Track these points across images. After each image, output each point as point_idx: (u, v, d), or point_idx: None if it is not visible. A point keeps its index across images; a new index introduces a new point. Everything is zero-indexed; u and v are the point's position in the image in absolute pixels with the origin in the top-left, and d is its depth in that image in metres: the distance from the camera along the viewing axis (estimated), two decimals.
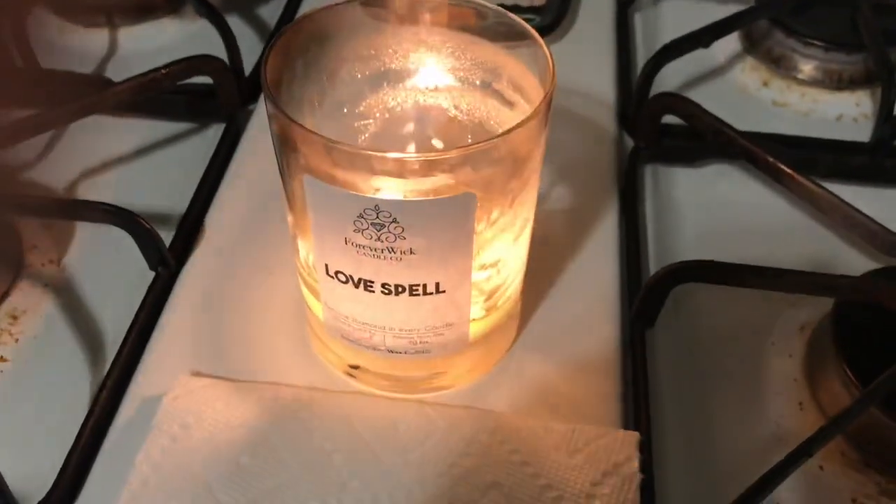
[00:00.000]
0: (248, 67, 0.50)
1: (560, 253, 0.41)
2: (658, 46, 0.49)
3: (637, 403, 0.35)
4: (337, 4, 0.32)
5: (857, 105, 0.52)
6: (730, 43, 0.56)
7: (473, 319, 0.33)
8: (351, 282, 0.30)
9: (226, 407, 0.33)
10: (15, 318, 0.39)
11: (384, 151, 0.26)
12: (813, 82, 0.53)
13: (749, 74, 0.54)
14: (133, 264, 0.40)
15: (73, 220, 0.41)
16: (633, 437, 0.33)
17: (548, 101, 0.28)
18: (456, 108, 0.34)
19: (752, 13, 0.51)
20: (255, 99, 0.49)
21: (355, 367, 0.35)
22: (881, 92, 0.48)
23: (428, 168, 0.27)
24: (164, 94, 0.46)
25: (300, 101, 0.32)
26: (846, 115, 0.52)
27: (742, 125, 0.45)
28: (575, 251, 0.41)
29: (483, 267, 0.31)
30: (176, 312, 0.38)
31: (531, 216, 0.32)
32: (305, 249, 0.32)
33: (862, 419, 0.33)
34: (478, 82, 0.33)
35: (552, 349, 0.37)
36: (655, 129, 0.45)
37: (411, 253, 0.29)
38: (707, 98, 0.52)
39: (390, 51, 0.33)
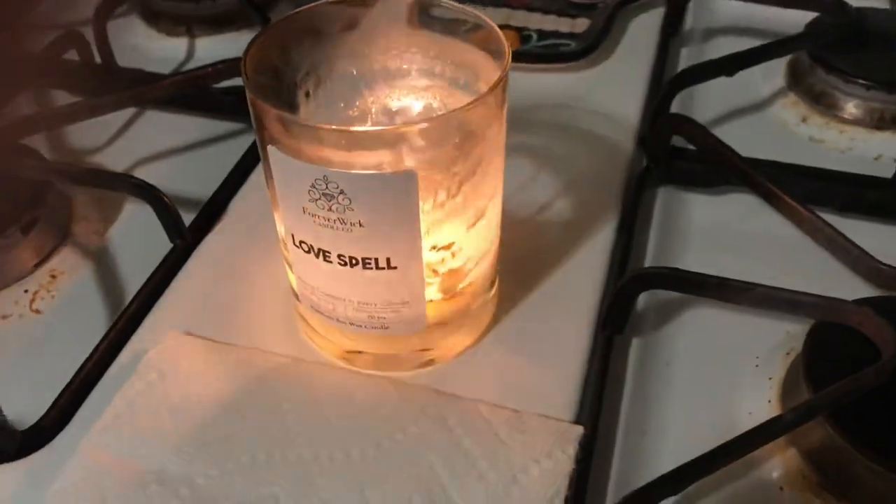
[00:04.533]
0: None
1: (550, 260, 0.42)
2: None
3: (593, 402, 0.36)
4: (328, 3, 0.35)
5: None
6: (774, 78, 0.56)
7: (431, 301, 0.35)
8: (312, 252, 0.33)
9: (203, 363, 0.36)
10: (54, 276, 0.44)
11: (329, 125, 0.29)
12: (853, 120, 0.52)
13: (789, 109, 0.54)
14: (166, 240, 0.44)
15: (103, 189, 0.46)
16: (576, 430, 0.34)
17: (495, 88, 0.30)
18: (437, 101, 0.36)
19: (773, 48, 0.51)
20: None
21: (354, 353, 0.37)
22: None
23: (367, 142, 0.29)
24: (215, 94, 0.50)
25: (293, 90, 0.35)
26: (885, 154, 0.51)
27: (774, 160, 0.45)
28: (565, 261, 0.42)
29: (435, 248, 0.33)
30: (184, 280, 0.42)
31: (488, 208, 0.34)
32: (279, 221, 0.35)
33: (817, 438, 0.33)
34: (461, 82, 0.36)
35: (522, 346, 0.38)
36: (665, 149, 0.46)
37: (360, 225, 0.31)
38: (744, 130, 0.53)
39: (380, 48, 0.36)
